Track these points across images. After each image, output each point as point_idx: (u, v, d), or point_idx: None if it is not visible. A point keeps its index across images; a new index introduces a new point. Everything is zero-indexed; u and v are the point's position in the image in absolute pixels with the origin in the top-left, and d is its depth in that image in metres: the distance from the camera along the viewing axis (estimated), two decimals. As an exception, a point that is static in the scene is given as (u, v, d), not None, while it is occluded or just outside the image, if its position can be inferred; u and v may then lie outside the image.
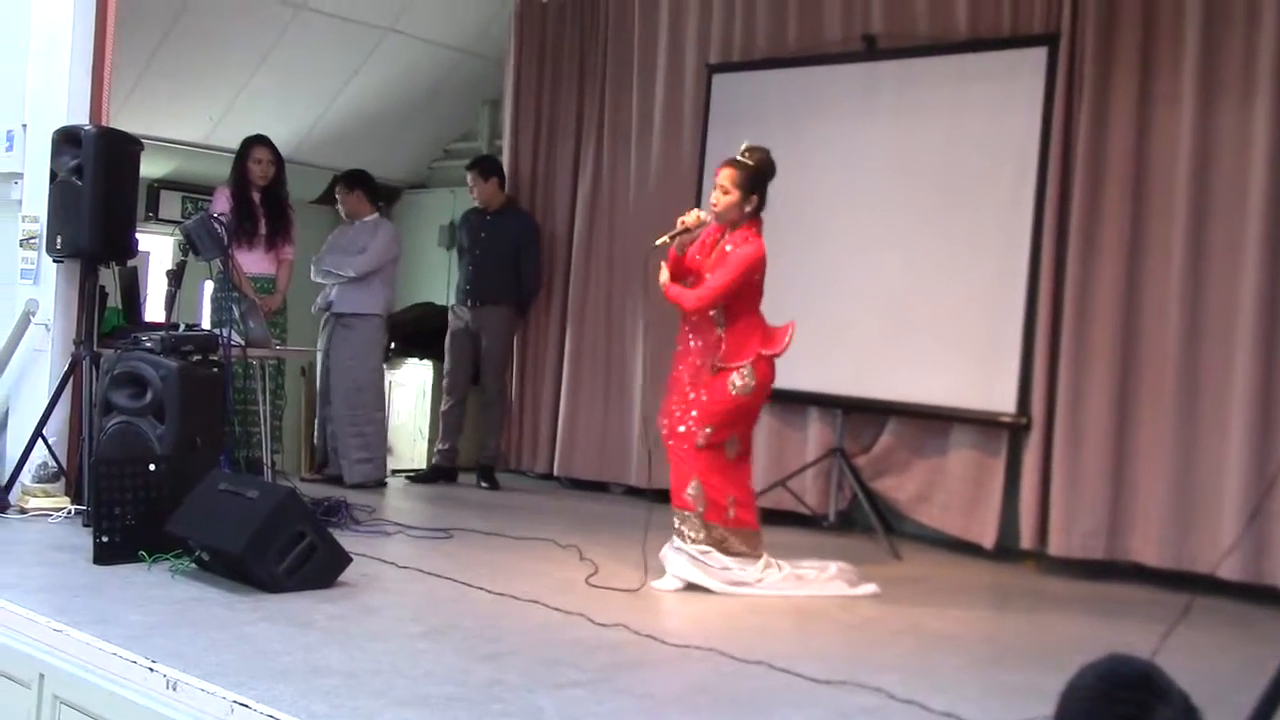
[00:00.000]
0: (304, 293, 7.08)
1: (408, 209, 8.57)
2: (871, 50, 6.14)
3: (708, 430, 4.52)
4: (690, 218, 4.57)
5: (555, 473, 7.30)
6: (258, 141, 6.32)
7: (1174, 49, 5.18)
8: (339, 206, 6.89)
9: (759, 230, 4.59)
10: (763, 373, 4.55)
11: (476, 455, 7.19)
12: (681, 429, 4.56)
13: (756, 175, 4.56)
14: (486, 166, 7.24)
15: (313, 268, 6.77)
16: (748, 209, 4.56)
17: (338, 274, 6.67)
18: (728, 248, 4.56)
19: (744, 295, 4.56)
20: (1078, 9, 5.45)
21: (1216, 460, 4.96)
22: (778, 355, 4.58)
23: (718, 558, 4.50)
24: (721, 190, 4.56)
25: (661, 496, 4.84)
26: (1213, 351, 5.02)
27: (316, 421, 6.77)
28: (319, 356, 6.77)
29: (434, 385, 7.50)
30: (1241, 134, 4.98)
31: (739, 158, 4.60)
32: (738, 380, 4.50)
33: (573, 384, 7.25)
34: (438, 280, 8.21)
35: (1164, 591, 4.78)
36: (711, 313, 4.55)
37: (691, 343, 4.62)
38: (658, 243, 4.66)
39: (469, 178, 7.13)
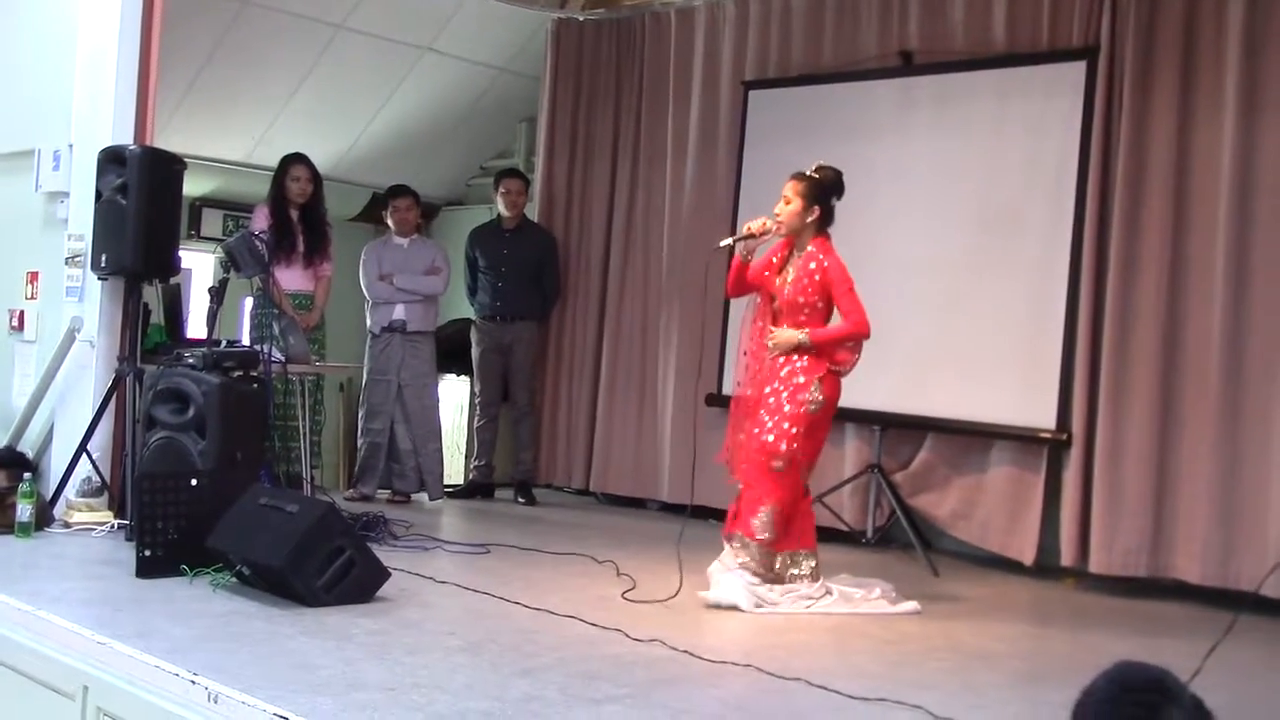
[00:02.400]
0: (342, 309, 7.13)
1: (445, 225, 8.62)
2: (908, 66, 6.14)
3: (787, 448, 4.49)
4: (757, 224, 4.62)
5: (591, 488, 7.31)
6: (296, 160, 6.38)
7: (1215, 62, 5.14)
8: (394, 217, 6.85)
9: (830, 244, 4.63)
10: (829, 389, 4.56)
11: (512, 470, 7.22)
12: (763, 453, 4.52)
13: (819, 187, 4.61)
14: (527, 180, 7.31)
15: (379, 287, 6.71)
16: (809, 219, 4.60)
17: (419, 293, 6.72)
18: (812, 266, 4.56)
19: (824, 311, 4.60)
20: (1117, 22, 5.42)
21: (1261, 476, 4.90)
22: (845, 373, 4.59)
23: (769, 594, 4.46)
24: (784, 200, 4.62)
25: (698, 512, 4.84)
26: (1255, 366, 4.97)
27: (369, 441, 6.75)
28: (366, 374, 6.80)
29: (470, 401, 7.54)
30: (1284, 147, 4.94)
31: (806, 171, 4.66)
32: (807, 395, 4.51)
33: (608, 401, 7.27)
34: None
35: (1207, 610, 4.73)
36: (803, 317, 4.59)
37: (775, 362, 4.60)
38: (721, 244, 4.70)
39: (512, 187, 7.12)
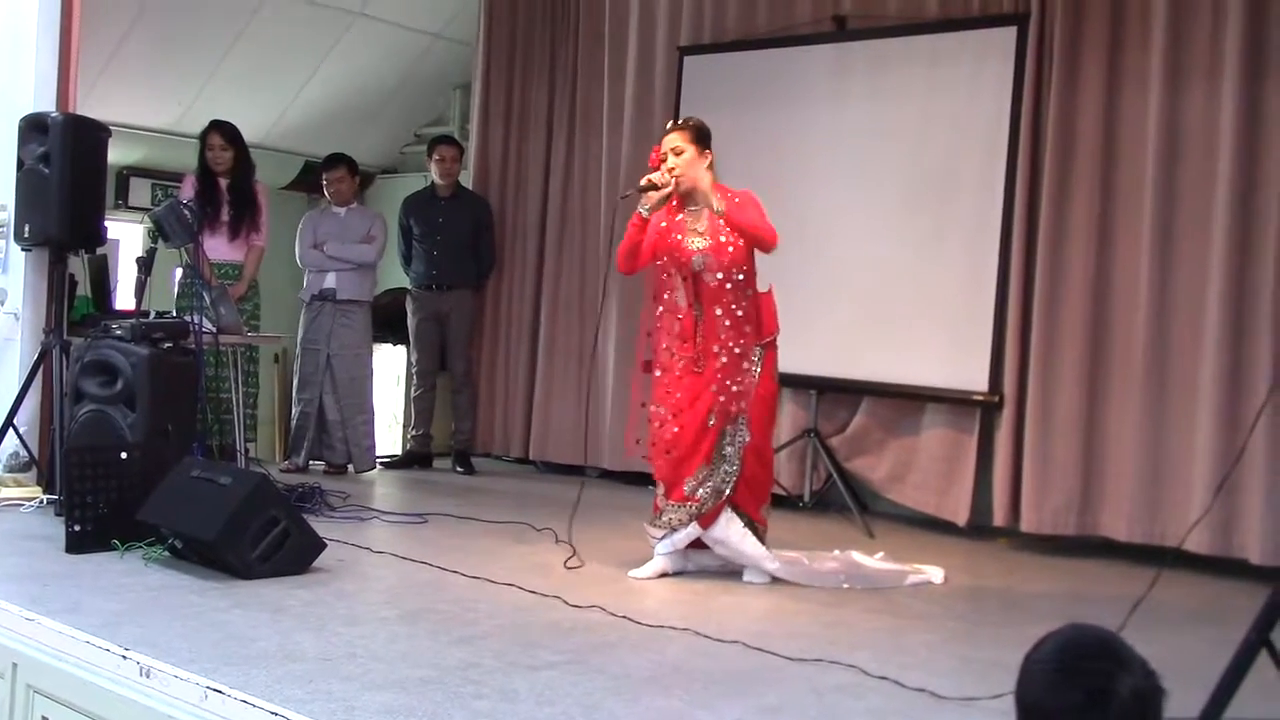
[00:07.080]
0: (277, 279, 7.04)
1: (380, 194, 8.53)
2: (842, 31, 6.15)
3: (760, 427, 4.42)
4: (657, 176, 4.33)
5: (530, 457, 7.30)
6: (213, 128, 6.21)
7: (1142, 29, 5.19)
8: (329, 189, 6.77)
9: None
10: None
11: (450, 440, 7.20)
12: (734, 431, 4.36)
13: (702, 131, 4.38)
14: (462, 148, 7.25)
15: (310, 254, 6.64)
16: (705, 164, 4.35)
17: (349, 260, 6.64)
18: (721, 208, 4.29)
19: (751, 258, 4.40)
20: (1047, -12, 5.47)
21: (1185, 436, 5.00)
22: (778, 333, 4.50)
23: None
24: (675, 153, 4.31)
25: (639, 479, 4.85)
26: (1181, 329, 5.06)
27: (300, 410, 6.68)
28: (299, 344, 6.72)
29: (407, 371, 7.49)
30: (1209, 115, 5.00)
31: (679, 121, 4.46)
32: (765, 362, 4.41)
33: (546, 369, 7.25)
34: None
35: (1134, 566, 4.83)
36: (741, 276, 4.36)
37: (718, 329, 4.32)
38: (624, 194, 4.47)
39: (446, 154, 7.06)
